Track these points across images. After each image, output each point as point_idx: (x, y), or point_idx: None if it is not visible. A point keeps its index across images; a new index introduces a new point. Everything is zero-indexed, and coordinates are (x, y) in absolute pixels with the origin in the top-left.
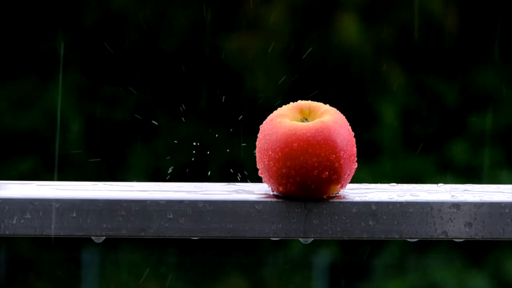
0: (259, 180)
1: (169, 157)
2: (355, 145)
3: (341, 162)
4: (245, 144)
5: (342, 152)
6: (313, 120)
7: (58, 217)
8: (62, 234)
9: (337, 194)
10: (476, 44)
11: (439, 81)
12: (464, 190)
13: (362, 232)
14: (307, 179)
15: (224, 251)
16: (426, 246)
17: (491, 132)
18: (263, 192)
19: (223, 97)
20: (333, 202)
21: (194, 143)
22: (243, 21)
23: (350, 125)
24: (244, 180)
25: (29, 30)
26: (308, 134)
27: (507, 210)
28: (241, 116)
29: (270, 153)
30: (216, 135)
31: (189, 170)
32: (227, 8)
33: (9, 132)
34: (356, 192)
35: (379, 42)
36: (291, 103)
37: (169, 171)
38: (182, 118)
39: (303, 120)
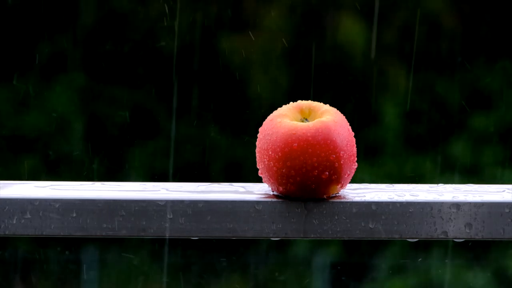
0: (259, 180)
1: (169, 157)
2: (355, 145)
3: (341, 162)
4: (245, 144)
5: (342, 152)
6: (313, 120)
7: (58, 217)
8: (62, 234)
9: (337, 194)
10: (478, 43)
11: (440, 80)
12: (464, 190)
13: (362, 232)
14: (307, 179)
15: (224, 251)
16: (426, 246)
17: (492, 132)
18: (263, 192)
19: (223, 97)
20: (333, 202)
21: (194, 143)
22: (243, 21)
23: (350, 125)
24: (244, 180)
25: (30, 30)
26: (308, 134)
27: (507, 210)
28: (241, 116)
29: (270, 153)
30: (216, 135)
31: (189, 170)
32: (227, 8)
33: (9, 132)
34: (356, 192)
35: (380, 41)
36: (291, 103)
37: (169, 171)
38: (183, 118)
39: (303, 120)
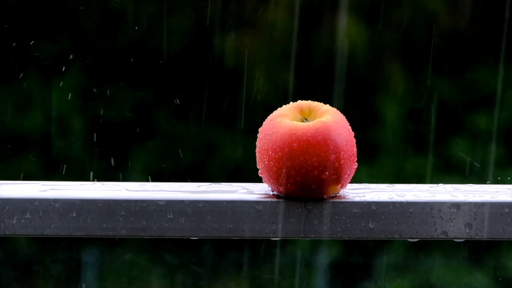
0: (259, 180)
1: (169, 157)
2: (355, 145)
3: (341, 162)
4: (245, 144)
5: (342, 152)
6: (313, 120)
7: (58, 217)
8: (62, 234)
9: (337, 194)
10: (478, 43)
11: (440, 80)
12: (464, 190)
13: (362, 232)
14: (307, 179)
15: (224, 251)
16: (426, 246)
17: (492, 132)
18: (263, 192)
19: (223, 97)
20: (333, 202)
21: (194, 143)
22: (243, 20)
23: (350, 125)
24: (244, 180)
25: (29, 30)
26: (308, 134)
27: (507, 210)
28: (241, 116)
29: (270, 153)
30: (216, 135)
31: (189, 170)
32: (226, 8)
33: (9, 132)
34: (356, 192)
35: (380, 41)
36: (291, 103)
37: (169, 171)
38: (182, 118)
39: (303, 120)
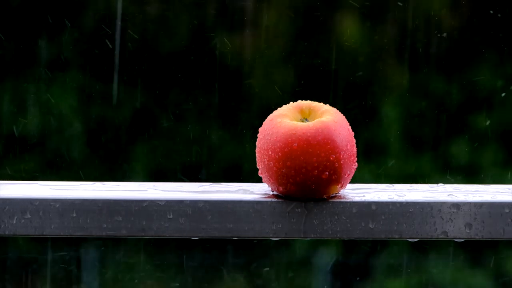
0: (259, 180)
1: (169, 157)
2: (355, 145)
3: (341, 162)
4: (245, 144)
5: (342, 152)
6: (313, 120)
7: (58, 217)
8: (62, 234)
9: (337, 194)
10: (478, 42)
11: (440, 80)
12: (464, 190)
13: (362, 232)
14: (307, 179)
15: (224, 251)
16: (426, 246)
17: (492, 132)
18: (263, 192)
19: (223, 97)
20: (333, 202)
21: (194, 143)
22: (243, 21)
23: (350, 125)
24: (244, 180)
25: (30, 29)
26: (308, 134)
27: (507, 210)
28: (241, 116)
29: (270, 153)
30: (216, 135)
31: (190, 170)
32: (227, 8)
33: (9, 132)
34: (356, 192)
35: (380, 42)
36: (291, 103)
37: (169, 171)
38: (182, 118)
39: (303, 120)
